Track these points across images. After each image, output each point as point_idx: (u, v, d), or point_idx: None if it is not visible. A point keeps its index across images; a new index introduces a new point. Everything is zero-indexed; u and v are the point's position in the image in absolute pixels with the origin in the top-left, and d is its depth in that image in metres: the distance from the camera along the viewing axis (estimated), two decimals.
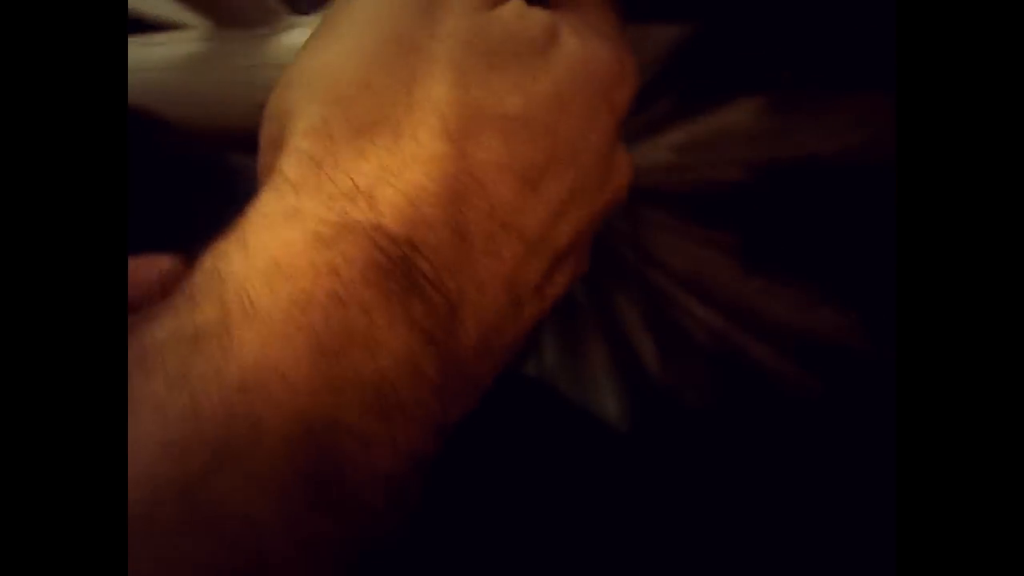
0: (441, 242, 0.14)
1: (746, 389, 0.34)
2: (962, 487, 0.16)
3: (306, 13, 0.21)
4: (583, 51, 0.17)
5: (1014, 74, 0.16)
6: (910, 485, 0.16)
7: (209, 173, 0.24)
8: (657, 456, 0.37)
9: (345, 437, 0.11)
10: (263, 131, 0.16)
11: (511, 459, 0.35)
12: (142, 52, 0.18)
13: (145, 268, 0.20)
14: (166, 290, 0.17)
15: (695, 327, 0.35)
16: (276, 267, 0.12)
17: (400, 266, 0.13)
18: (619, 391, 0.39)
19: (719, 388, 0.35)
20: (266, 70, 0.18)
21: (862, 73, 0.27)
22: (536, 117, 0.15)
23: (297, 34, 0.19)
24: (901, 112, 0.18)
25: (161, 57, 0.18)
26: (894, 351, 0.22)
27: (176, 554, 0.09)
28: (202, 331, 0.11)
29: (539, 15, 0.17)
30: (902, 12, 0.17)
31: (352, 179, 0.13)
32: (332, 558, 0.11)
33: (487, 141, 0.15)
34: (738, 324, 0.34)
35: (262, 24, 0.18)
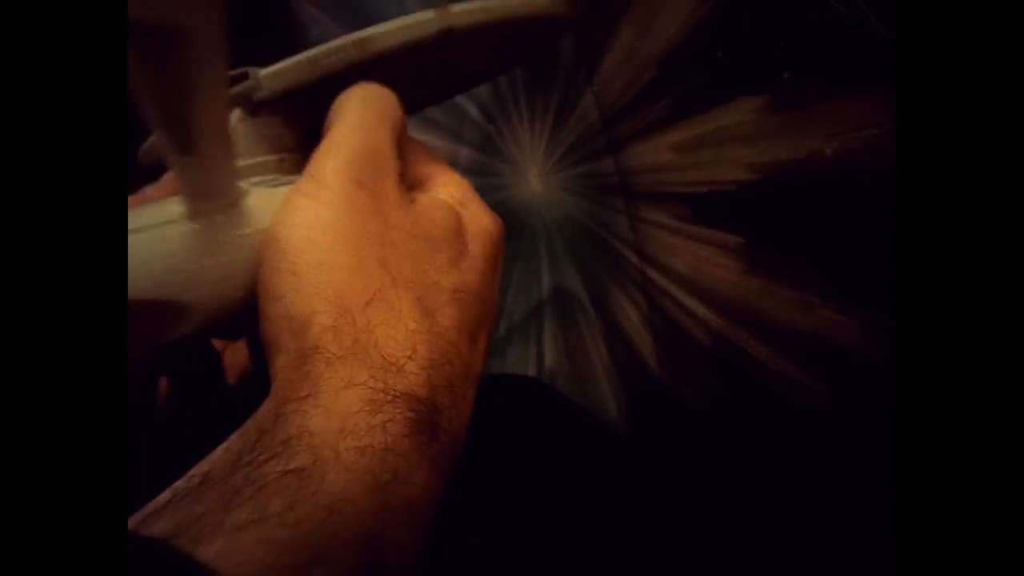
0: (447, 399, 0.18)
1: (746, 389, 0.34)
2: (962, 487, 0.16)
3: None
4: (481, 223, 0.22)
5: (1014, 74, 0.16)
6: (910, 485, 0.16)
7: None
8: (656, 456, 0.37)
9: (389, 546, 0.15)
10: (274, 308, 0.19)
11: (512, 458, 0.35)
12: (140, 244, 0.19)
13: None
14: None
15: (695, 327, 0.35)
16: (346, 427, 0.16)
17: (427, 422, 0.17)
18: (619, 391, 0.39)
19: (719, 388, 0.35)
20: (253, 236, 0.21)
21: (862, 73, 0.27)
22: (471, 284, 0.21)
23: (264, 196, 0.22)
24: (901, 112, 0.18)
25: (161, 248, 0.20)
26: (894, 351, 0.22)
27: None
28: (303, 472, 0.15)
29: (446, 204, 0.22)
30: (902, 12, 0.17)
31: (382, 354, 0.18)
32: None
33: (448, 311, 0.20)
34: (738, 324, 0.34)
35: (227, 194, 0.21)
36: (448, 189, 0.23)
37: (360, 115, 0.22)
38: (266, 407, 0.17)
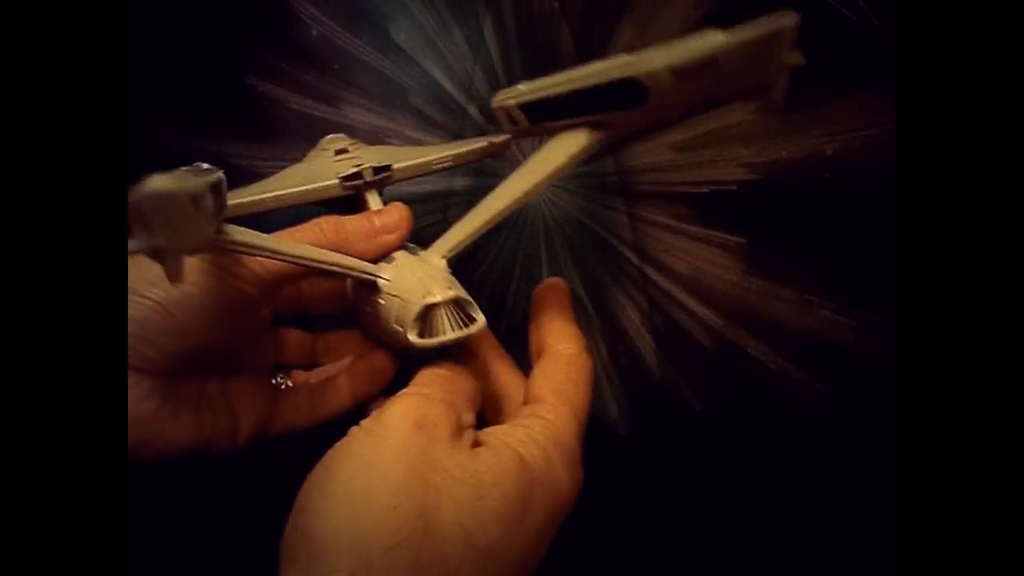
0: None
1: (746, 389, 0.34)
2: (961, 486, 0.16)
3: None
4: (553, 476, 0.21)
5: (1014, 74, 0.16)
6: (910, 484, 0.16)
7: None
8: (656, 456, 0.37)
9: None
10: (301, 525, 0.19)
11: None
12: None
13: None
14: None
15: (695, 327, 0.35)
16: None
17: None
18: (619, 391, 0.39)
19: (719, 388, 0.35)
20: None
21: (862, 73, 0.27)
22: (509, 547, 0.19)
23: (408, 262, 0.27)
24: (901, 112, 0.17)
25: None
26: (894, 351, 0.22)
27: None
28: None
29: (508, 450, 0.21)
30: (902, 12, 0.17)
31: None
32: None
33: (472, 571, 0.18)
34: (738, 324, 0.34)
35: None
36: (535, 431, 0.22)
37: (437, 376, 0.23)
38: None
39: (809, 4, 0.28)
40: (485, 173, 0.40)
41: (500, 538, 0.19)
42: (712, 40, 0.18)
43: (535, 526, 0.20)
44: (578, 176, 0.39)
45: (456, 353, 0.25)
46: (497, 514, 0.19)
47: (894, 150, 0.24)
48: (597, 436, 0.39)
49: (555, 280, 0.29)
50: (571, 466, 0.22)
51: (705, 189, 0.33)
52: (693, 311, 0.35)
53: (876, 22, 0.25)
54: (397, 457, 0.19)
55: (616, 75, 0.20)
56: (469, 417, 0.23)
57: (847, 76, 0.28)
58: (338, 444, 0.20)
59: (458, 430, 0.21)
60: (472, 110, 0.40)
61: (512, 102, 0.26)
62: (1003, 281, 0.16)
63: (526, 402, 0.24)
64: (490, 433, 0.22)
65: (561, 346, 0.26)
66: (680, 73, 0.19)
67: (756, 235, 0.32)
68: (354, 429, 0.21)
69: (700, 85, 0.19)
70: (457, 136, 0.40)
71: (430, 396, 0.22)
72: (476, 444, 0.21)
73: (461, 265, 0.46)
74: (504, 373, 0.27)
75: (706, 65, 0.18)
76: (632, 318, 0.38)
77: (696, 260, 0.35)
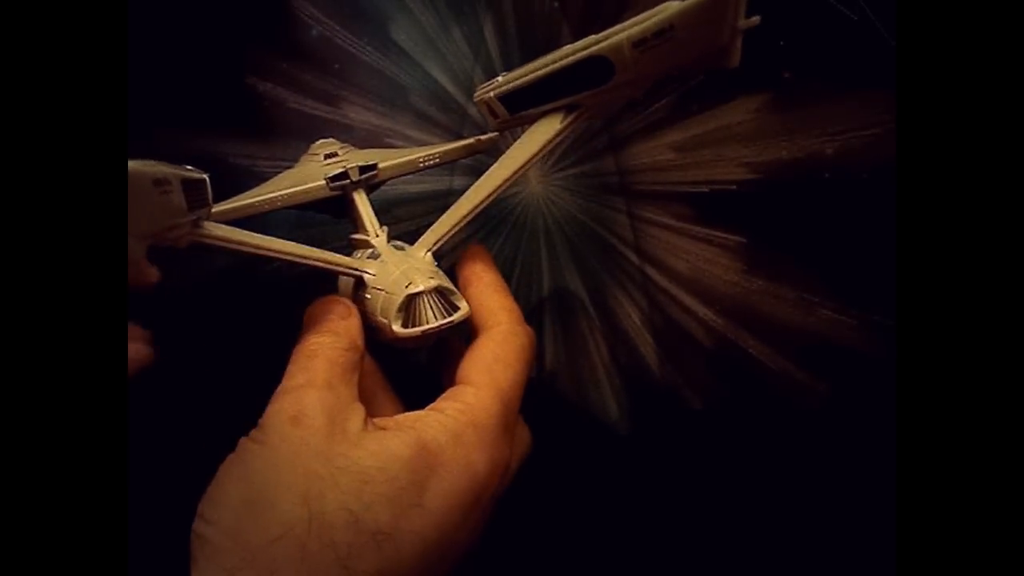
0: None
1: (746, 389, 0.34)
2: (961, 486, 0.16)
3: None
4: (467, 461, 0.21)
5: (1014, 74, 0.16)
6: (910, 484, 0.16)
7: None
8: (656, 456, 0.37)
9: None
10: (200, 530, 0.19)
11: None
12: None
13: None
14: None
15: (695, 327, 0.35)
16: None
17: None
18: (619, 391, 0.39)
19: (719, 388, 0.35)
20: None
21: (862, 73, 0.27)
22: (410, 528, 0.19)
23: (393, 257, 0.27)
24: (901, 112, 0.17)
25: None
26: (894, 351, 0.22)
27: None
28: None
29: (407, 435, 0.20)
30: (902, 12, 0.17)
31: None
32: None
33: (366, 555, 0.18)
34: (738, 324, 0.34)
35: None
36: (448, 414, 0.22)
37: (302, 359, 0.23)
38: None
39: (809, 4, 0.28)
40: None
41: (392, 520, 0.19)
42: (667, 8, 0.19)
43: (438, 509, 0.20)
44: (578, 176, 0.39)
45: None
46: (386, 498, 0.19)
47: (894, 150, 0.24)
48: (597, 436, 0.39)
49: (476, 248, 0.28)
50: (489, 448, 0.22)
51: (705, 189, 0.33)
52: (693, 311, 0.35)
53: (876, 22, 0.25)
54: (276, 455, 0.20)
55: (583, 54, 0.22)
56: (349, 391, 0.22)
57: (847, 76, 0.28)
58: (228, 456, 0.21)
59: (340, 412, 0.21)
60: (472, 110, 0.40)
61: (491, 94, 0.26)
62: (1003, 281, 0.16)
63: (455, 383, 0.24)
64: (397, 419, 0.22)
65: (491, 322, 0.25)
66: (639, 43, 0.20)
67: (756, 235, 0.32)
68: (241, 440, 0.21)
69: (661, 54, 0.20)
70: (458, 136, 0.40)
71: (305, 385, 0.22)
72: (380, 427, 0.21)
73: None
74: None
75: (662, 33, 0.19)
76: (632, 318, 0.38)
77: (696, 260, 0.35)
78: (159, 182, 0.18)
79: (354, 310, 0.25)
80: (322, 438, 0.20)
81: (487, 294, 0.26)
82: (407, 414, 0.22)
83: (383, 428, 0.21)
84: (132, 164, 0.16)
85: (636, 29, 0.20)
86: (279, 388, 0.22)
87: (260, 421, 0.21)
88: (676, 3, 0.19)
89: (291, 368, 0.23)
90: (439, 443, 0.21)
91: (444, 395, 0.23)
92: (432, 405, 0.23)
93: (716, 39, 0.19)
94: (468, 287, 0.27)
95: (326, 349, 0.23)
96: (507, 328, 0.25)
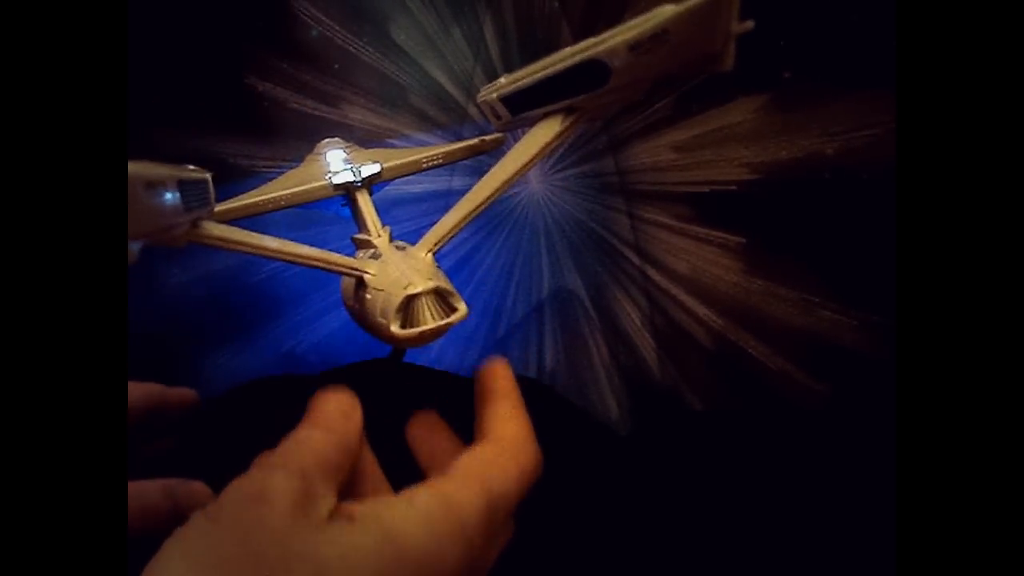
0: None
1: (746, 389, 0.34)
2: (961, 486, 0.16)
3: None
4: (429, 554, 0.19)
5: (1014, 74, 0.16)
6: (910, 484, 0.16)
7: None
8: (657, 457, 0.37)
9: None
10: None
11: None
12: None
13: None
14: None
15: (695, 327, 0.35)
16: None
17: None
18: (619, 391, 0.39)
19: (719, 388, 0.35)
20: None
21: (862, 73, 0.27)
22: None
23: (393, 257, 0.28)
24: (901, 112, 0.18)
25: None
26: (894, 351, 0.22)
27: None
28: None
29: (372, 526, 0.19)
30: (902, 12, 0.17)
31: None
32: None
33: None
34: (738, 324, 0.34)
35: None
36: (423, 499, 0.21)
37: (286, 445, 0.21)
38: None
39: (809, 4, 0.28)
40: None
41: None
42: (662, 12, 0.19)
43: None
44: (578, 176, 0.39)
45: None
46: None
47: (894, 150, 0.24)
48: (597, 436, 0.39)
49: (499, 361, 0.26)
50: (462, 541, 0.21)
51: (705, 189, 0.33)
52: (693, 311, 0.35)
53: (876, 21, 0.25)
54: (229, 534, 0.19)
55: (580, 57, 0.22)
56: (326, 486, 0.21)
57: (847, 76, 0.28)
58: (176, 530, 0.20)
59: (308, 500, 0.20)
60: (472, 110, 0.40)
61: (493, 96, 0.27)
62: (1003, 281, 0.16)
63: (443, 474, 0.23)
64: (365, 504, 0.21)
65: (499, 432, 0.24)
66: (636, 47, 0.20)
67: (756, 235, 0.32)
68: (195, 513, 0.20)
69: (657, 57, 0.20)
70: (458, 136, 0.40)
71: (273, 466, 0.20)
72: (346, 516, 0.20)
73: (462, 265, 0.46)
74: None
75: (658, 36, 0.20)
76: (632, 318, 0.38)
77: (696, 260, 0.35)
78: (152, 184, 0.18)
79: (358, 409, 0.24)
80: (281, 520, 0.19)
81: (502, 405, 0.25)
82: (376, 499, 0.21)
83: (349, 516, 0.20)
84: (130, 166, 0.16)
85: (632, 33, 0.20)
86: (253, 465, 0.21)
87: (219, 497, 0.20)
88: (671, 7, 0.19)
89: (267, 452, 0.22)
90: (408, 533, 0.20)
91: (422, 483, 0.22)
92: (403, 492, 0.21)
93: (710, 43, 0.19)
94: (485, 390, 0.25)
95: (314, 442, 0.22)
96: (514, 440, 0.24)
